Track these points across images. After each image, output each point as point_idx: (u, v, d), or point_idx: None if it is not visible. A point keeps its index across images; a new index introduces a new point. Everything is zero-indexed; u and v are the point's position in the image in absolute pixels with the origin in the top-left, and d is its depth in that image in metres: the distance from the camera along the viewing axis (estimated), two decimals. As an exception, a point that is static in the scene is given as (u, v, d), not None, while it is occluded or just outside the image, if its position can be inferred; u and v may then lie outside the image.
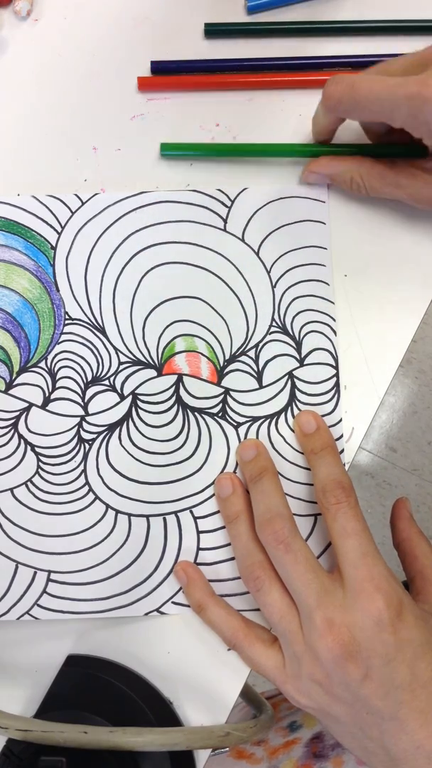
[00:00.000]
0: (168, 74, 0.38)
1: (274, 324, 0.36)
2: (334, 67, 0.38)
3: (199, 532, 0.35)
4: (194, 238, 0.37)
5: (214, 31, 0.38)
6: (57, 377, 0.36)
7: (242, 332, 0.36)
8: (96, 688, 0.33)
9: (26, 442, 0.35)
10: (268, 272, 0.36)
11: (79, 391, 0.36)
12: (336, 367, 0.36)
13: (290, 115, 0.38)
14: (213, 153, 0.37)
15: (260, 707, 0.34)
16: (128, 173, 0.37)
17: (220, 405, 0.35)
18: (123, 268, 0.36)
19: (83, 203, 0.37)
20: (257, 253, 0.36)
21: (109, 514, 0.35)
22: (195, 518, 0.35)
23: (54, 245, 0.36)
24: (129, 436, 0.35)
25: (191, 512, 0.35)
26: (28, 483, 0.35)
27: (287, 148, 0.37)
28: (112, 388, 0.36)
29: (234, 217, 0.37)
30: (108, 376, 0.36)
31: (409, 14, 0.39)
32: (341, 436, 0.35)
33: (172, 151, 0.37)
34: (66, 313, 0.36)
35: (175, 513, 0.35)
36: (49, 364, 0.36)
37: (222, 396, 0.36)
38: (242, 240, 0.36)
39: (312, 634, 0.29)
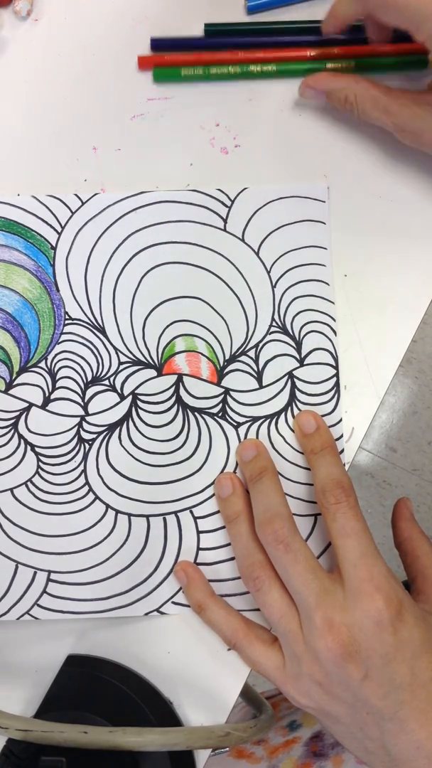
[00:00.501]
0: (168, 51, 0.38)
1: (274, 324, 0.36)
2: (332, 45, 0.37)
3: (199, 532, 0.35)
4: (194, 238, 0.37)
5: (214, 31, 0.38)
6: (57, 377, 0.36)
7: (242, 332, 0.36)
8: (96, 688, 0.33)
9: (26, 442, 0.35)
10: (268, 272, 0.36)
11: (79, 391, 0.36)
12: (336, 367, 0.36)
13: (290, 115, 0.38)
14: (206, 79, 0.38)
15: (260, 707, 0.34)
16: (128, 173, 0.37)
17: (220, 405, 0.35)
18: (123, 268, 0.36)
19: (83, 203, 0.37)
20: (257, 253, 0.36)
21: (109, 514, 0.35)
22: (195, 518, 0.35)
23: (54, 245, 0.36)
24: (129, 436, 0.35)
25: (191, 512, 0.35)
26: (28, 483, 0.35)
27: (287, 70, 0.37)
28: (112, 388, 0.36)
29: (234, 217, 0.37)
30: (108, 376, 0.36)
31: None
32: (341, 436, 0.35)
33: (164, 78, 0.38)
34: (66, 313, 0.36)
35: (175, 513, 0.35)
36: (49, 364, 0.36)
37: (222, 396, 0.36)
38: (242, 240, 0.36)
39: (312, 634, 0.29)
